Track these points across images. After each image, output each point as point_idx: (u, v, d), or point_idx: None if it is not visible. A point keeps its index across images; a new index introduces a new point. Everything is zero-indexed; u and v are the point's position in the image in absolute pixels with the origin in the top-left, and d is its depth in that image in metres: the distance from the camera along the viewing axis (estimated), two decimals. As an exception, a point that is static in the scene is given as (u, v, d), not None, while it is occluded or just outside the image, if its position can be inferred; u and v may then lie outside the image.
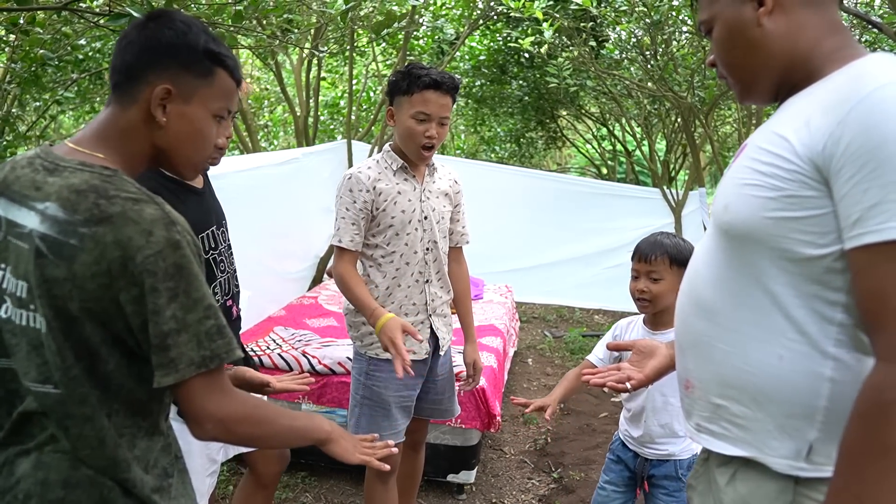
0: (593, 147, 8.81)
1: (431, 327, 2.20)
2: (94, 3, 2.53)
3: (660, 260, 1.92)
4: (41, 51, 2.97)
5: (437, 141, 2.07)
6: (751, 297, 0.99)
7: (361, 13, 3.41)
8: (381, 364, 2.13)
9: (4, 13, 2.85)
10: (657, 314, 1.99)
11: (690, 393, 1.12)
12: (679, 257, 1.91)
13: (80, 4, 2.27)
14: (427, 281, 2.17)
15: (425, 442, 2.51)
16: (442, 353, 2.27)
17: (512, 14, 3.63)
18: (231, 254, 1.93)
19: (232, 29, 2.28)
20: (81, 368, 0.99)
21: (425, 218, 2.14)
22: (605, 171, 9.03)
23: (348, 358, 2.96)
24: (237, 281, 1.94)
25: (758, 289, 0.98)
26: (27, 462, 1.03)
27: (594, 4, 3.65)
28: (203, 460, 1.87)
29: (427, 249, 2.15)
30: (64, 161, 1.02)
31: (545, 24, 3.39)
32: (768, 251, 0.96)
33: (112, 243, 0.95)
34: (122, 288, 0.96)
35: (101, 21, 2.06)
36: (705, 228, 4.88)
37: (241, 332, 1.90)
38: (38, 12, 2.29)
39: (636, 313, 2.22)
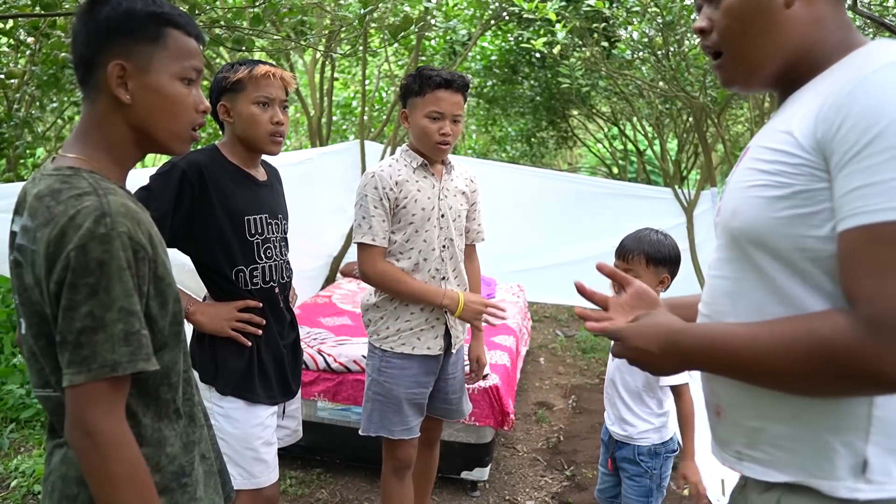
0: (604, 146, 8.81)
1: (446, 325, 2.24)
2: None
3: (636, 259, 1.99)
4: (62, 54, 3.03)
5: (451, 138, 2.13)
6: (773, 308, 0.92)
7: (376, 15, 3.44)
8: (393, 360, 2.17)
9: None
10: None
11: (723, 419, 1.02)
12: (656, 256, 1.97)
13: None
14: (444, 278, 2.20)
15: (440, 439, 2.54)
16: (454, 350, 2.31)
17: (524, 15, 3.65)
18: (285, 246, 2.01)
19: (250, 32, 2.31)
20: None
21: (442, 216, 2.18)
22: (615, 170, 9.02)
23: (363, 356, 3.00)
24: (290, 275, 2.02)
25: (778, 297, 0.91)
26: (58, 455, 1.07)
27: (607, 6, 3.66)
28: (258, 444, 1.89)
29: (444, 247, 2.19)
30: (45, 170, 1.04)
31: (558, 26, 3.41)
32: (784, 253, 0.90)
33: (53, 240, 0.94)
34: (52, 283, 0.95)
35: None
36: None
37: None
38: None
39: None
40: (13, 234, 1.07)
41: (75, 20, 1.06)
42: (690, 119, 5.72)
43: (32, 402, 3.44)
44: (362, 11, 2.69)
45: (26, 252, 0.99)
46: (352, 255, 5.14)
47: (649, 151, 7.66)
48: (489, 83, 6.61)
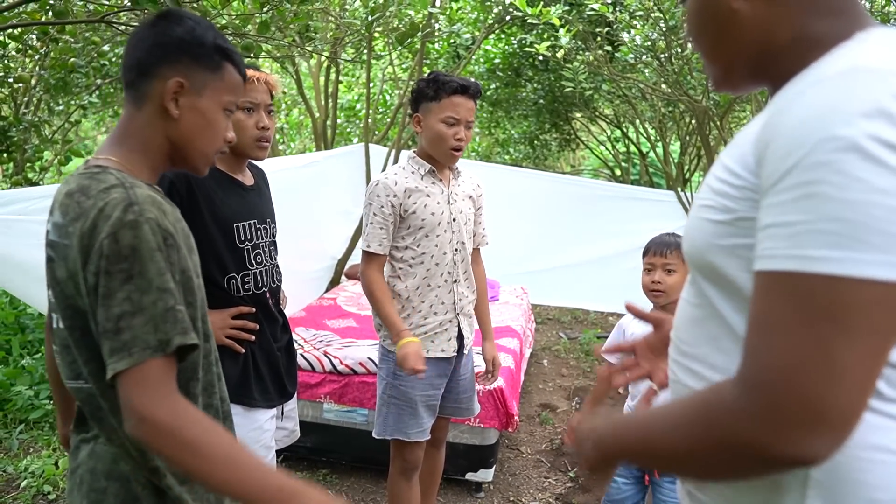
0: (607, 149, 8.83)
1: (458, 326, 2.27)
2: (123, 14, 2.61)
3: (675, 253, 2.06)
4: (72, 59, 3.07)
5: (464, 143, 2.16)
6: (727, 343, 0.81)
7: (380, 19, 3.48)
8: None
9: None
10: (664, 307, 2.09)
11: None
12: None
13: (114, 17, 2.35)
14: (455, 281, 2.24)
15: (446, 440, 2.57)
16: (466, 351, 2.34)
17: (528, 20, 3.68)
18: (274, 250, 2.00)
19: (259, 39, 2.35)
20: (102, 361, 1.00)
21: (453, 220, 2.21)
22: (618, 172, 9.05)
23: (369, 358, 3.03)
24: (280, 278, 2.02)
25: (730, 332, 0.81)
26: (86, 450, 1.11)
27: (610, 10, 3.69)
28: (257, 448, 1.91)
29: (456, 251, 2.23)
30: (78, 170, 1.09)
31: (562, 31, 3.43)
32: (727, 286, 0.80)
33: (86, 233, 0.97)
34: (88, 275, 0.97)
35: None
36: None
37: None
38: (65, 6, 2.36)
39: None
40: (47, 232, 1.10)
41: (142, 27, 1.12)
42: (693, 122, 5.74)
43: (41, 404, 3.47)
44: (369, 18, 2.72)
45: (59, 247, 1.02)
46: (356, 257, 5.17)
47: (652, 153, 7.68)
48: (493, 86, 6.64)
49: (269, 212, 2.00)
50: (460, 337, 2.28)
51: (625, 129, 7.94)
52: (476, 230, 2.38)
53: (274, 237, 2.01)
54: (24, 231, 2.08)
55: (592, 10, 3.58)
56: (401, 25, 3.47)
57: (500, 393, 2.92)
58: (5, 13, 2.45)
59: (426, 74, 2.19)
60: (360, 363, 3.03)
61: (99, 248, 0.96)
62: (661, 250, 2.06)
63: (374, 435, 2.29)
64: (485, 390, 2.88)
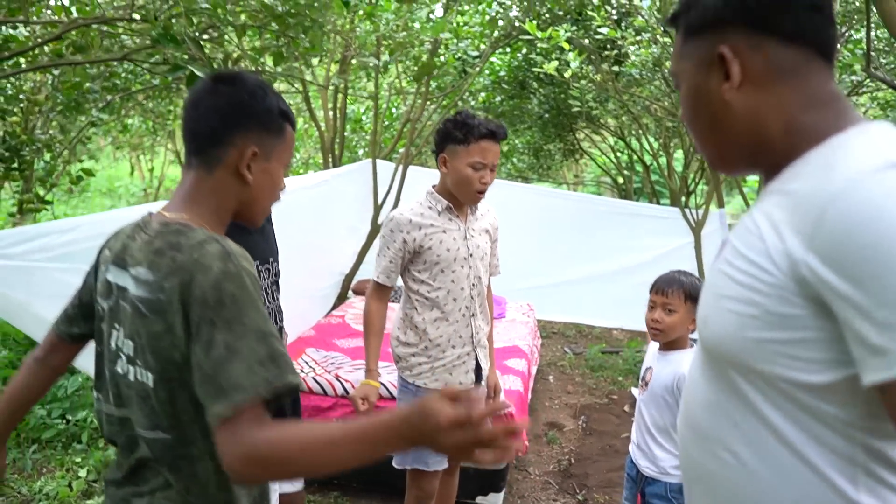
0: (610, 159, 8.87)
1: (476, 359, 2.31)
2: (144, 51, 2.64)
3: (675, 293, 2.06)
4: (87, 84, 3.10)
5: (488, 185, 2.20)
6: (751, 429, 0.83)
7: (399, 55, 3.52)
8: (428, 394, 2.23)
9: (50, 44, 2.97)
10: (664, 344, 2.12)
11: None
12: (693, 293, 2.05)
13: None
14: (472, 315, 2.28)
15: (458, 466, 2.60)
16: (483, 382, 2.38)
17: (537, 43, 3.71)
18: (276, 290, 2.01)
19: (278, 72, 2.38)
20: (195, 412, 1.05)
21: (470, 255, 2.24)
22: (621, 180, 9.08)
23: (381, 383, 3.05)
24: (281, 318, 2.03)
25: (756, 419, 0.83)
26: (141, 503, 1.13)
27: (619, 34, 3.72)
28: None
29: (472, 285, 2.26)
30: (151, 227, 1.12)
31: (571, 55, 3.47)
32: (757, 376, 0.81)
33: (184, 287, 1.02)
34: (190, 325, 1.01)
35: (162, 71, 2.17)
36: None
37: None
38: (87, 42, 2.39)
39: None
40: (109, 284, 1.15)
41: (204, 93, 1.15)
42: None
43: (53, 423, 3.50)
44: (388, 58, 2.75)
45: (152, 303, 1.05)
46: (363, 273, 5.20)
47: (655, 164, 7.72)
48: (497, 98, 6.67)
49: (271, 250, 2.00)
50: (477, 368, 2.32)
51: (628, 141, 7.98)
52: (490, 261, 2.41)
53: (277, 276, 2.01)
54: (46, 279, 2.10)
55: (601, 34, 3.61)
56: (414, 52, 3.51)
57: (510, 419, 2.94)
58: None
59: (454, 115, 2.19)
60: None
61: (202, 298, 1.00)
62: (663, 289, 2.07)
63: (394, 465, 2.32)
64: (495, 416, 2.90)
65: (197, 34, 2.14)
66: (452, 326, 2.25)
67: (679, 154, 7.44)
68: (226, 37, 2.53)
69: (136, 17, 2.17)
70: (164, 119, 6.56)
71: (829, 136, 0.81)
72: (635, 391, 4.59)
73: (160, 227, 1.11)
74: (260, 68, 2.46)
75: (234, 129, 1.13)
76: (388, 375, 3.14)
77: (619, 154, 8.80)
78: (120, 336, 1.14)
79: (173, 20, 2.10)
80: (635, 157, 8.23)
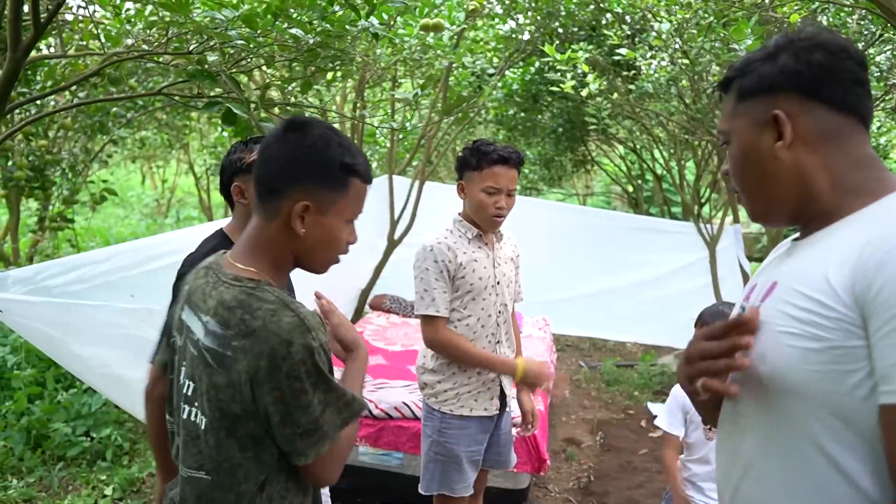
0: (620, 169, 8.89)
1: (501, 385, 2.33)
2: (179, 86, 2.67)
3: None
4: (114, 109, 3.15)
5: (505, 211, 2.23)
6: (808, 462, 0.87)
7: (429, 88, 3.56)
8: (453, 421, 2.26)
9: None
10: None
11: None
12: None
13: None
14: (498, 342, 2.30)
15: (483, 489, 2.63)
16: (508, 409, 2.40)
17: (552, 59, 3.74)
18: None
19: (305, 102, 2.42)
20: (245, 458, 1.13)
21: (497, 283, 2.27)
22: (631, 188, 9.10)
23: (404, 403, 3.09)
24: None
25: (814, 451, 0.86)
26: None
27: (638, 56, 3.75)
28: None
29: (499, 313, 2.29)
30: (223, 275, 1.16)
31: (590, 77, 3.50)
32: (817, 408, 0.85)
33: (259, 354, 1.07)
34: (265, 392, 1.08)
35: (197, 106, 2.21)
36: (741, 265, 4.94)
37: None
38: (121, 75, 2.44)
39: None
40: (182, 322, 1.21)
41: (273, 141, 1.17)
42: (709, 146, 5.80)
43: (79, 440, 3.54)
44: (419, 92, 2.80)
45: (217, 356, 1.11)
46: (380, 288, 5.23)
47: (667, 175, 7.73)
48: (510, 112, 6.71)
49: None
50: (502, 395, 2.34)
51: (639, 152, 8.00)
52: (514, 288, 2.44)
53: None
54: (81, 317, 2.14)
55: (620, 55, 3.64)
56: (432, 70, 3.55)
57: (533, 439, 2.97)
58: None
59: (471, 143, 2.25)
60: (396, 407, 3.09)
61: (288, 371, 1.07)
62: (710, 322, 2.07)
63: (420, 491, 2.34)
64: (518, 436, 2.93)
65: (226, 67, 2.18)
66: None
67: (691, 164, 7.46)
68: (252, 68, 2.57)
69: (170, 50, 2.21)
70: (180, 133, 6.61)
71: (881, 194, 0.91)
72: (652, 407, 4.61)
73: (232, 281, 1.14)
74: (289, 97, 2.50)
75: (289, 182, 1.14)
76: (411, 395, 3.17)
77: (630, 164, 8.82)
78: (183, 374, 1.19)
79: (206, 53, 2.14)
80: (646, 167, 8.25)
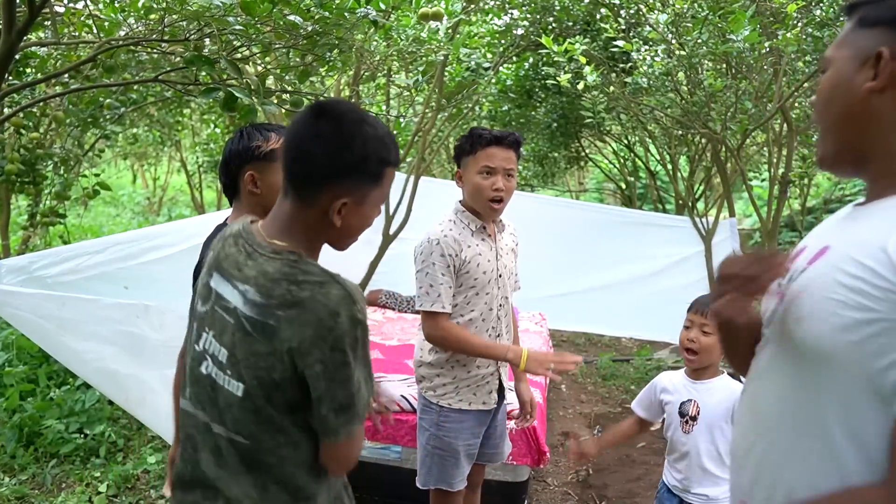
0: (613, 164, 8.90)
1: (499, 379, 2.31)
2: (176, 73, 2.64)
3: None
4: (108, 100, 3.11)
5: (504, 194, 2.16)
6: (825, 430, 0.86)
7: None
8: (451, 414, 2.23)
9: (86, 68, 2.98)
10: (699, 369, 2.09)
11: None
12: None
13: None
14: (498, 335, 2.27)
15: (481, 482, 2.60)
16: (506, 400, 2.38)
17: (551, 55, 3.73)
18: None
19: (304, 91, 2.39)
20: (287, 421, 1.15)
21: (499, 276, 2.24)
22: (623, 185, 9.11)
23: (403, 396, 3.06)
24: None
25: (834, 420, 0.85)
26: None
27: (635, 48, 3.74)
28: None
29: (500, 306, 2.26)
30: (260, 247, 1.16)
31: (588, 68, 3.49)
32: (848, 379, 0.83)
33: (306, 324, 1.08)
34: (309, 364, 1.09)
35: (192, 93, 2.18)
36: (736, 258, 4.93)
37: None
38: (116, 63, 2.40)
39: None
40: (209, 288, 1.20)
41: (303, 127, 1.15)
42: (703, 141, 5.81)
43: (72, 437, 3.50)
44: (420, 79, 2.78)
45: (260, 325, 1.11)
46: (375, 283, 5.20)
47: (661, 170, 7.76)
48: (504, 108, 6.69)
49: None
50: (500, 388, 2.32)
51: (633, 148, 8.01)
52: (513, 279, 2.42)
53: None
54: (76, 309, 2.10)
55: (617, 46, 3.63)
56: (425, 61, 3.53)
57: (532, 431, 2.95)
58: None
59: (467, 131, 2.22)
60: (394, 401, 3.06)
61: (334, 342, 1.09)
62: (702, 309, 2.04)
63: (418, 485, 2.32)
64: (517, 428, 2.91)
65: (224, 54, 2.15)
66: None
67: (684, 160, 7.48)
68: (250, 56, 2.54)
69: (167, 37, 2.18)
70: (172, 129, 6.55)
71: None
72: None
73: (271, 254, 1.14)
74: (286, 86, 2.47)
75: (327, 179, 1.14)
76: (409, 388, 3.15)
77: (623, 160, 8.83)
78: (211, 341, 1.18)
79: (203, 41, 2.11)
80: (639, 163, 8.27)
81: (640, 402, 2.26)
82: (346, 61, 2.16)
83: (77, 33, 2.83)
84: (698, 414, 2.06)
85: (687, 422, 2.09)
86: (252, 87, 1.85)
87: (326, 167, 1.14)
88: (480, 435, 2.31)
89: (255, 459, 1.16)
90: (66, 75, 3.12)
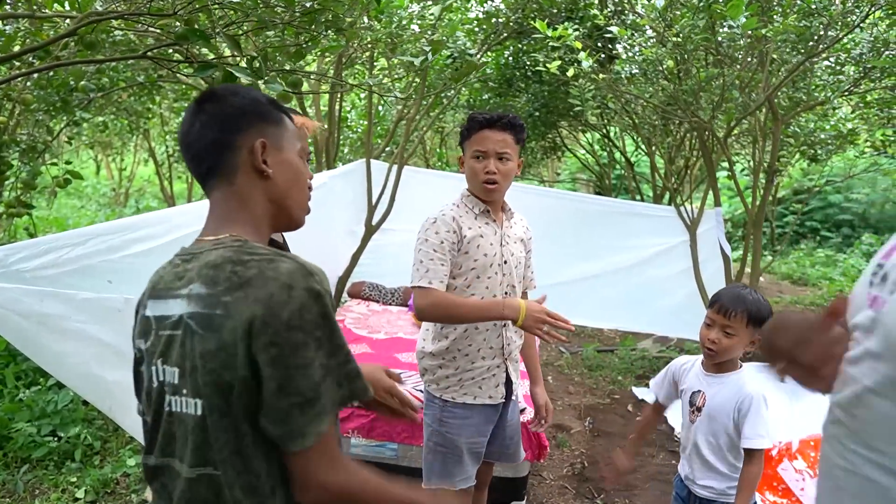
0: (591, 155, 8.89)
1: (507, 372, 2.22)
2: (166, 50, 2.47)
3: (739, 317, 1.92)
4: (81, 83, 2.92)
5: (498, 176, 2.10)
6: None
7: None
8: (455, 409, 2.15)
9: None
10: (716, 364, 2.04)
11: None
12: (757, 316, 1.93)
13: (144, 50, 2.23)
14: (504, 325, 2.18)
15: (489, 482, 2.52)
16: (514, 397, 2.30)
17: (532, 34, 3.64)
18: None
19: (304, 75, 2.26)
20: (250, 438, 0.98)
21: (505, 262, 2.16)
22: (599, 175, 9.12)
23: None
24: None
25: None
26: None
27: (627, 36, 3.68)
28: None
29: (506, 294, 2.17)
30: (197, 248, 1.08)
31: (582, 55, 3.41)
32: None
33: (256, 301, 0.96)
34: (261, 349, 0.95)
35: (189, 72, 2.03)
36: (721, 248, 4.94)
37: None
38: (97, 38, 2.23)
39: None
40: (147, 320, 1.08)
41: (193, 114, 1.13)
42: (683, 130, 5.80)
43: (44, 441, 3.31)
44: (429, 58, 2.66)
45: (205, 318, 0.98)
46: (358, 275, 5.08)
47: (639, 161, 7.76)
48: (485, 96, 6.60)
49: None
50: (508, 383, 2.24)
51: (612, 138, 8.00)
52: (525, 273, 2.34)
53: None
54: (55, 304, 1.95)
55: (610, 31, 3.57)
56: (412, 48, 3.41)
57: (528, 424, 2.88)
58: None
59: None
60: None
61: (288, 319, 0.94)
62: (725, 311, 1.94)
63: (423, 485, 2.22)
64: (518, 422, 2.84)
65: (218, 30, 2.01)
66: (482, 336, 2.16)
67: (663, 149, 7.50)
68: (241, 34, 2.40)
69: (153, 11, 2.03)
70: (140, 117, 6.31)
71: None
72: (638, 391, 4.58)
73: (211, 245, 1.06)
74: (278, 66, 2.34)
75: (236, 132, 1.11)
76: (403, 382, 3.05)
77: (598, 150, 8.82)
78: (160, 369, 1.05)
79: (196, 15, 1.97)
80: (618, 154, 8.26)
81: (656, 384, 2.24)
82: (352, 36, 2.03)
83: (46, 9, 2.64)
84: (704, 405, 2.02)
85: (693, 412, 2.06)
86: (255, 65, 1.72)
87: (228, 122, 1.11)
88: (487, 433, 2.23)
89: (225, 498, 1.00)
90: (31, 55, 2.92)
